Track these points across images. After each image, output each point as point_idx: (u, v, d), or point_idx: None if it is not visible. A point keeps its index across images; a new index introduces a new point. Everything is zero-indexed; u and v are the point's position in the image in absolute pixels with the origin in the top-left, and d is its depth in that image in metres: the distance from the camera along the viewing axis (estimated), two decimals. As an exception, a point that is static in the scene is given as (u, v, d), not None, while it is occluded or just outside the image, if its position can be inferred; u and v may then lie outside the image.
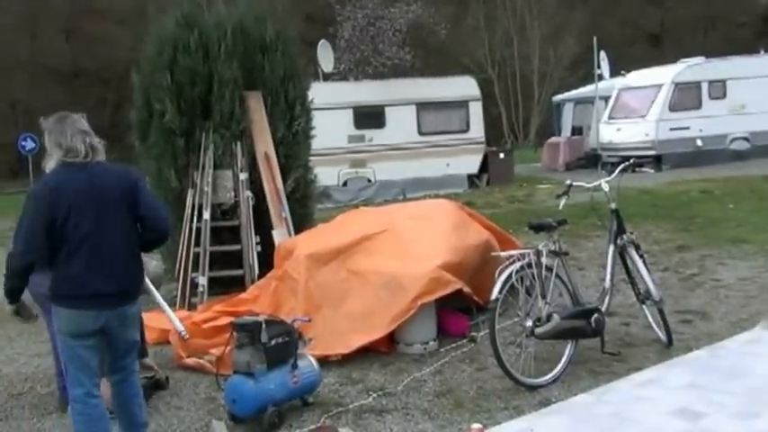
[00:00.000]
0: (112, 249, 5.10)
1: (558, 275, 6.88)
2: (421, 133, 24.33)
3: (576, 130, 31.22)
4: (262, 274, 9.62)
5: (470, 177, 25.26)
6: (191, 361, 7.83)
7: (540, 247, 6.80)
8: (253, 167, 10.81)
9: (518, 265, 6.63)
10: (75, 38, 50.08)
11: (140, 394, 5.60)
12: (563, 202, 7.47)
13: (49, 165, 5.20)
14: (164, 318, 8.31)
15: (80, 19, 49.38)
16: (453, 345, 7.87)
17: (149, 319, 7.99)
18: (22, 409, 7.14)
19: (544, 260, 6.73)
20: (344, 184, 23.35)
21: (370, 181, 23.69)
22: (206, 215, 10.41)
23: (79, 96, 38.57)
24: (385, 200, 21.85)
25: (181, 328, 7.69)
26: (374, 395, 6.65)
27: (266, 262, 9.86)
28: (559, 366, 6.77)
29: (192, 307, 9.76)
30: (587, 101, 30.34)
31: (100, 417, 5.21)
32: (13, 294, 5.20)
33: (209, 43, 10.87)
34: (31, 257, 4.95)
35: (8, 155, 39.23)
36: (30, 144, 33.08)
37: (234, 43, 10.93)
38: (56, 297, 5.07)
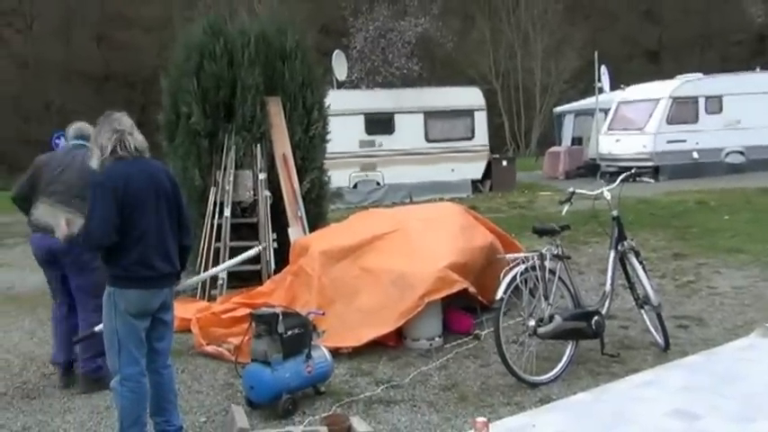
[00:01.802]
0: (167, 234, 5.28)
1: (560, 278, 6.83)
2: (428, 140, 24.30)
3: (576, 141, 31.15)
4: (278, 270, 9.60)
5: (474, 183, 25.23)
6: (210, 348, 7.84)
7: (543, 251, 6.76)
8: (271, 168, 10.81)
9: (523, 267, 6.59)
10: (106, 44, 50.22)
11: (175, 392, 5.63)
12: (566, 208, 7.44)
13: (100, 159, 5.23)
14: (184, 307, 8.33)
15: (110, 26, 49.51)
16: (458, 342, 7.84)
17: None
18: (53, 388, 7.15)
19: (548, 263, 6.70)
20: (355, 186, 23.33)
21: (378, 184, 23.66)
22: (227, 212, 10.44)
23: (108, 98, 38.49)
24: (393, 202, 21.81)
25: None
26: (383, 387, 6.62)
27: (282, 258, 9.85)
28: (560, 365, 6.73)
29: (211, 299, 9.76)
30: (587, 113, 30.27)
31: (146, 395, 5.27)
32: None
33: (233, 51, 10.88)
34: (106, 241, 5.00)
35: (42, 152, 39.23)
36: (63, 142, 33.11)
37: (256, 51, 10.93)
38: (125, 279, 5.10)
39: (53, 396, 6.94)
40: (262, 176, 10.62)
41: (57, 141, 34.30)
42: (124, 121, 5.30)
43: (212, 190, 10.59)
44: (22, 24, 49.14)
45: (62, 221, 5.57)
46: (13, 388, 7.26)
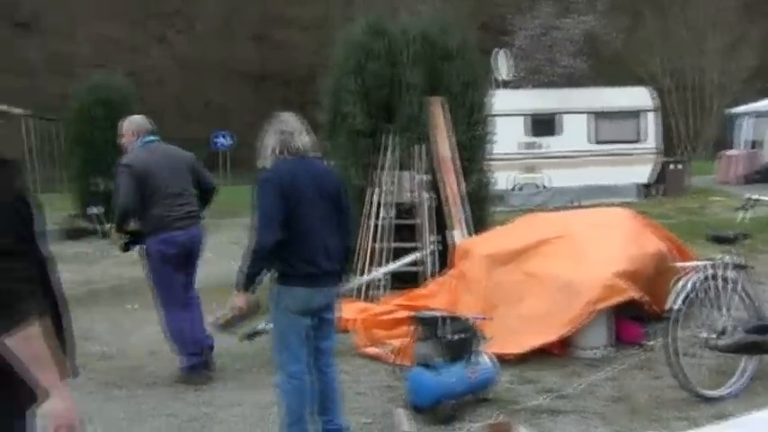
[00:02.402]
0: (330, 233, 5.41)
1: (739, 289, 6.63)
2: (594, 142, 23.88)
3: (753, 144, 30.00)
4: (440, 272, 9.68)
5: (644, 187, 24.62)
6: (372, 350, 7.96)
7: (722, 260, 6.58)
8: (433, 170, 10.90)
9: (699, 275, 6.43)
10: (264, 43, 51.62)
11: (339, 391, 5.76)
12: (744, 215, 7.21)
13: (267, 159, 5.43)
14: (345, 307, 8.52)
15: (269, 25, 50.86)
16: (627, 352, 7.71)
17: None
18: (222, 381, 7.43)
19: (726, 272, 6.51)
20: (519, 188, 23.17)
21: (542, 186, 23.43)
22: (388, 213, 10.57)
23: (266, 98, 39.68)
24: (557, 206, 21.55)
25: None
26: (548, 396, 6.57)
27: (443, 260, 9.93)
28: (737, 380, 6.53)
29: (373, 300, 9.91)
30: (766, 115, 29.12)
31: (309, 393, 5.42)
32: (254, 278, 5.36)
33: (395, 50, 11.04)
34: (277, 238, 5.14)
35: (201, 150, 40.62)
36: (221, 140, 34.39)
37: (419, 50, 11.05)
38: (289, 276, 5.28)
39: (218, 389, 7.22)
40: (423, 178, 10.73)
41: (216, 140, 35.70)
42: (290, 122, 5.49)
43: (372, 190, 10.77)
44: (185, 25, 51.13)
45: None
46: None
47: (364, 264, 10.40)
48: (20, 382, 2.61)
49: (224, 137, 34.69)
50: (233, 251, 12.56)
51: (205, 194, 7.63)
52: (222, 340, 8.20)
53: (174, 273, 7.26)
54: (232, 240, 14.68)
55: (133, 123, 7.59)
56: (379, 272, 8.72)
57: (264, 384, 6.97)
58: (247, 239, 5.37)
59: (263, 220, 5.19)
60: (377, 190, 10.77)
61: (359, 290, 10.10)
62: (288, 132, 5.41)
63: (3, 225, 2.56)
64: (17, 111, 21.91)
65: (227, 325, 5.89)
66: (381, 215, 10.66)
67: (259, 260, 5.25)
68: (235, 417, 6.52)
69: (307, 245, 5.27)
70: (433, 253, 10.39)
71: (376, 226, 10.63)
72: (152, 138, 7.53)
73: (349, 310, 8.77)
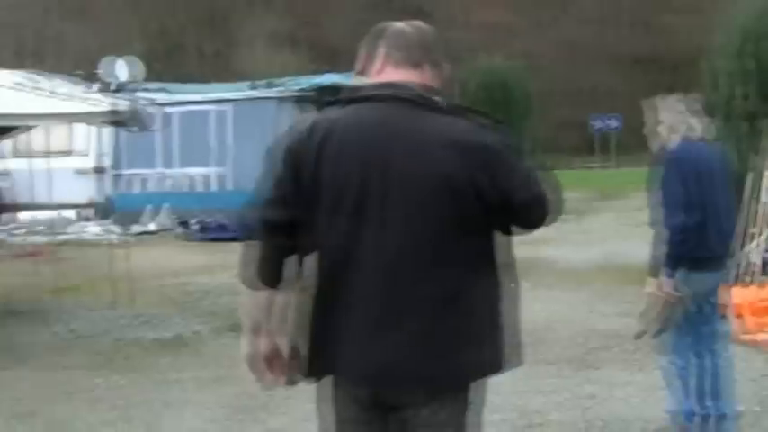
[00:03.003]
0: (721, 216, 5.35)
1: None
2: None
3: None
4: None
5: None
6: (748, 337, 7.73)
7: None
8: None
9: None
10: (648, 27, 50.67)
11: (721, 378, 5.50)
12: None
13: (668, 141, 5.47)
14: (727, 291, 8.45)
15: (653, 10, 49.88)
16: None
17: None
18: (611, 362, 7.55)
19: None
20: None
21: None
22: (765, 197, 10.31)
23: (650, 81, 38.89)
24: None
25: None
26: None
27: None
28: None
29: (747, 285, 9.60)
30: None
31: (692, 377, 5.37)
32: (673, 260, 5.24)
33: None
34: (694, 219, 5.09)
35: (577, 133, 40.88)
36: (604, 123, 34.53)
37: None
38: (694, 260, 5.18)
39: (606, 369, 7.33)
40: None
41: (593, 123, 35.88)
42: (678, 106, 5.48)
43: (754, 175, 10.48)
44: (570, 10, 51.38)
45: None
46: (579, 357, 7.76)
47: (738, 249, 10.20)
48: None
49: (605, 120, 34.88)
50: (623, 232, 13.02)
51: None
52: (611, 321, 8.48)
53: None
54: (621, 222, 14.98)
55: None
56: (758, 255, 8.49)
57: (653, 366, 6.53)
58: (651, 223, 5.39)
59: (679, 203, 5.15)
60: (765, 173, 10.50)
61: (735, 275, 9.95)
62: (682, 114, 5.44)
63: None
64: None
65: (667, 322, 5.37)
66: (762, 200, 10.40)
67: (678, 243, 5.12)
68: (619, 397, 6.55)
69: (704, 228, 5.17)
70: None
71: (755, 212, 10.41)
72: None
73: (733, 294, 8.58)
